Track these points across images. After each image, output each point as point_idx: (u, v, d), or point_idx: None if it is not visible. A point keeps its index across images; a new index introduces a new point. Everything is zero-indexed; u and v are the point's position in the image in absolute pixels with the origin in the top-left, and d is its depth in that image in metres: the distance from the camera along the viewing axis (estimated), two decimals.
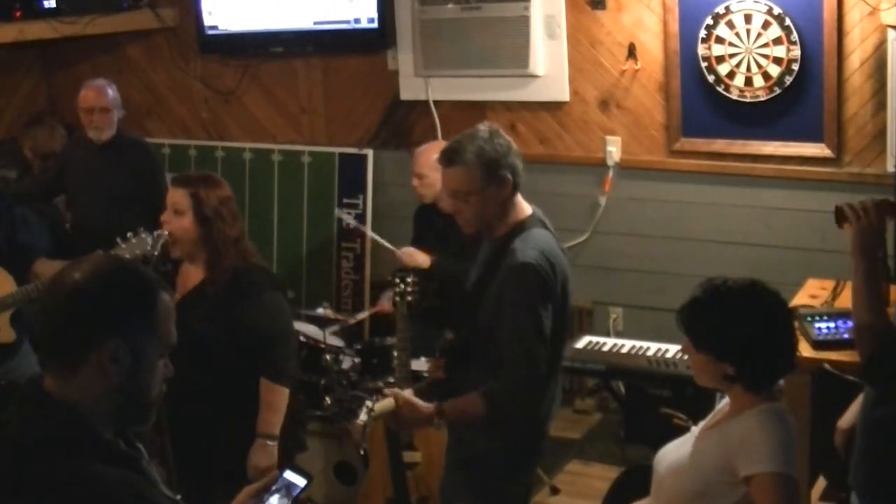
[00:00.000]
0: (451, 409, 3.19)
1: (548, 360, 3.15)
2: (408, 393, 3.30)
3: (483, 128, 3.20)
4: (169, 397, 2.17)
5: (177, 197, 3.61)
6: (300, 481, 2.19)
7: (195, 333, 3.46)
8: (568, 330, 3.40)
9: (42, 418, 1.83)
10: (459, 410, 3.18)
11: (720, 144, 5.20)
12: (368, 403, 3.25)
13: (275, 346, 3.64)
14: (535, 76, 5.47)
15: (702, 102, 5.17)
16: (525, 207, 3.25)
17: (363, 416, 4.33)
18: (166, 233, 3.60)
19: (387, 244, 5.00)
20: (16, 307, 4.25)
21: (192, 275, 3.66)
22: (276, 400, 3.63)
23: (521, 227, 3.19)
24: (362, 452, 4.31)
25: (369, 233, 5.75)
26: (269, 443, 3.62)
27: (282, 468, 2.25)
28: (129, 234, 3.69)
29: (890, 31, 4.67)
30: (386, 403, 3.21)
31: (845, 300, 4.28)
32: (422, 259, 4.66)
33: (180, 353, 1.97)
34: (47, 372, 1.87)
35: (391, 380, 4.44)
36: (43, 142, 5.99)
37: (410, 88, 5.86)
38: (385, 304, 5.09)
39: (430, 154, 4.95)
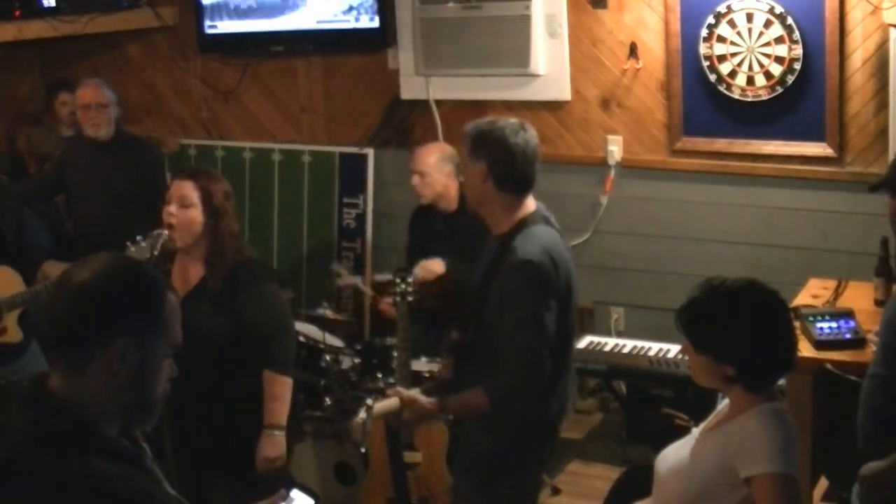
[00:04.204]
0: (454, 404, 3.20)
1: (555, 356, 3.16)
2: (413, 392, 3.30)
3: (513, 119, 3.27)
4: (171, 394, 2.16)
5: (185, 189, 3.60)
6: (308, 502, 2.15)
7: (202, 329, 3.46)
8: (575, 326, 3.40)
9: (46, 417, 1.83)
10: (462, 405, 3.20)
11: (722, 144, 5.19)
12: (369, 401, 3.26)
13: (277, 336, 3.67)
14: (536, 75, 5.46)
15: (703, 101, 5.16)
16: (529, 204, 3.25)
17: (362, 415, 4.32)
18: (166, 231, 3.59)
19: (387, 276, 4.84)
20: (24, 307, 4.25)
21: (192, 271, 3.66)
22: (282, 390, 3.66)
23: (524, 223, 3.20)
24: (363, 451, 4.30)
25: (361, 286, 5.64)
26: (277, 433, 3.66)
27: (288, 488, 2.22)
28: (138, 238, 3.68)
29: (892, 31, 4.65)
30: (388, 403, 3.21)
31: (847, 300, 4.28)
32: (437, 266, 4.67)
33: (185, 350, 1.97)
34: (54, 371, 1.88)
35: (391, 380, 4.43)
36: (38, 142, 6.00)
37: (411, 88, 5.85)
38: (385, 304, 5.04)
39: (431, 153, 4.94)
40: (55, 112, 6.25)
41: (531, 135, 3.22)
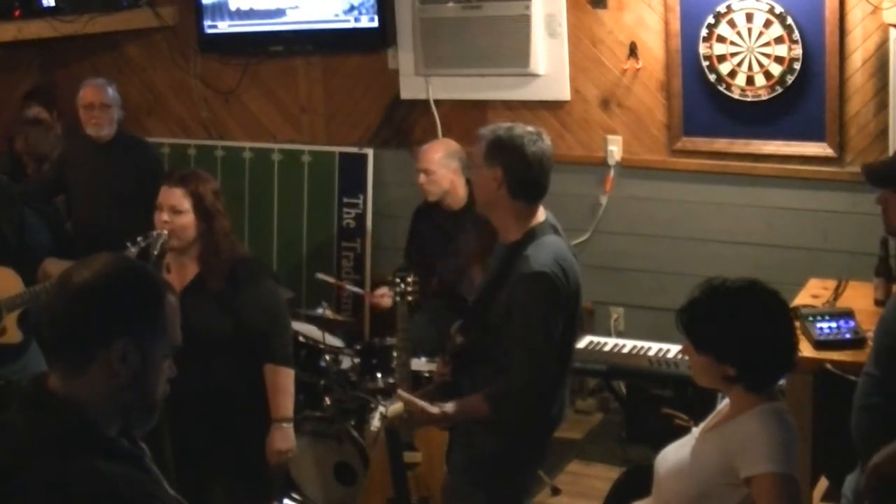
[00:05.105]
0: (456, 411, 3.20)
1: (558, 361, 3.18)
2: (415, 396, 3.31)
3: (530, 127, 3.24)
4: (170, 394, 2.18)
5: (175, 197, 3.62)
6: None
7: (202, 327, 3.47)
8: (577, 334, 3.41)
9: (46, 417, 1.83)
10: (464, 412, 3.20)
11: (721, 144, 5.19)
12: (382, 409, 3.26)
13: (277, 331, 3.71)
14: (535, 75, 5.45)
15: (703, 101, 5.16)
16: (539, 213, 3.27)
17: (377, 423, 4.32)
18: (166, 232, 3.60)
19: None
20: (24, 307, 4.25)
21: (187, 268, 3.67)
22: (286, 382, 3.71)
23: (534, 233, 3.21)
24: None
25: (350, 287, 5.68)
26: (286, 425, 3.71)
27: (280, 498, 2.22)
28: (139, 238, 3.68)
29: (892, 30, 4.65)
30: (397, 408, 3.22)
31: (847, 300, 4.28)
32: None
33: (184, 348, 1.98)
34: (54, 371, 1.88)
35: (391, 380, 4.43)
36: (36, 143, 6.00)
37: (411, 87, 5.85)
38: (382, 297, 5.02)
39: (436, 150, 4.93)
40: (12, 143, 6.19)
41: (547, 144, 3.22)
